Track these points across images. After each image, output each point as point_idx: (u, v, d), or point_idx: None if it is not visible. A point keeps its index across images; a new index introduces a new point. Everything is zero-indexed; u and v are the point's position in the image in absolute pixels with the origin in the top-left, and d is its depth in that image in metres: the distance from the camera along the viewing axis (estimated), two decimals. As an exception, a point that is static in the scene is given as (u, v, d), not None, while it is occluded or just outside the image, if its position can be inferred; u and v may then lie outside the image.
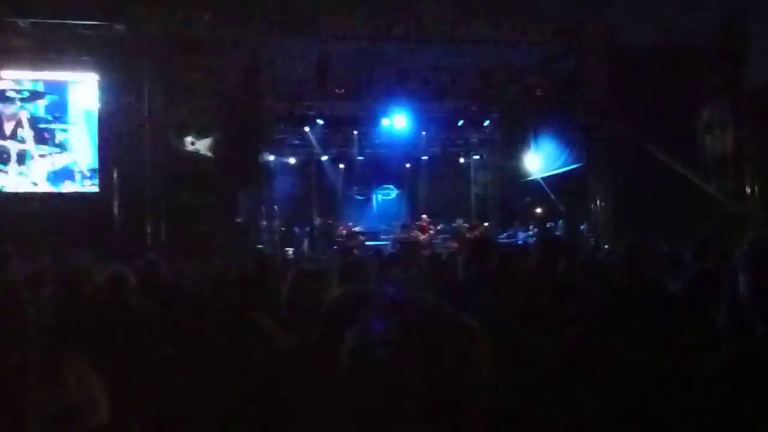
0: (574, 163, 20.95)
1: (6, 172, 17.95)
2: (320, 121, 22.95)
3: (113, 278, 4.85)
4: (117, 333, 4.14)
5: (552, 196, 22.34)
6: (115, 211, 18.33)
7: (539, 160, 23.07)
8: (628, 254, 4.25)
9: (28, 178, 18.11)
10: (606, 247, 12.44)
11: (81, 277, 6.58)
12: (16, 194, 17.87)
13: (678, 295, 4.03)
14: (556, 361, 2.74)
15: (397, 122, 23.45)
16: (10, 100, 18.11)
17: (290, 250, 19.29)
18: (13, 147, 18.03)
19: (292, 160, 24.67)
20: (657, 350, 2.76)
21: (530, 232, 21.88)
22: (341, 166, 25.63)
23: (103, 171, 18.34)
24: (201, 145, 18.10)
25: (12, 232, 15.03)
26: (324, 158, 25.32)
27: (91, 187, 18.45)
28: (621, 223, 18.71)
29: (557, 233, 20.54)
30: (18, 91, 18.16)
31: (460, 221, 23.66)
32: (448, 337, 1.24)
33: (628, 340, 2.84)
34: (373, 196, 26.09)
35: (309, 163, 25.17)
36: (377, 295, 1.91)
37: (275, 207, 19.37)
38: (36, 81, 18.33)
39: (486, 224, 23.41)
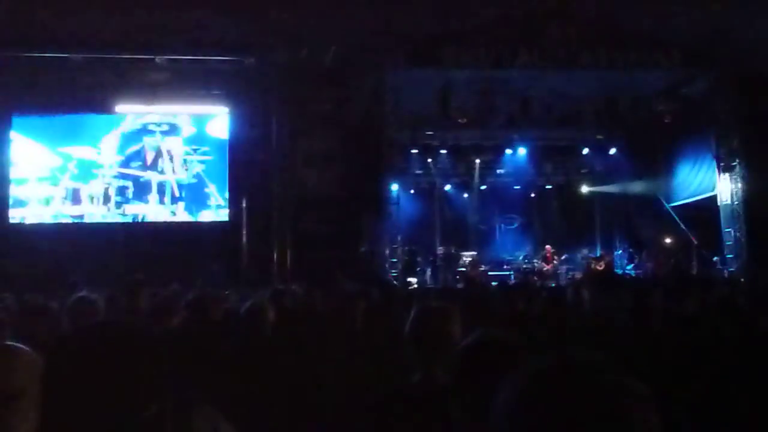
0: (705, 192, 20.15)
1: (147, 202, 18.88)
2: (443, 150, 23.02)
3: (254, 310, 4.97)
4: (251, 364, 4.26)
5: (682, 226, 21.51)
6: (244, 239, 18.93)
7: (668, 189, 22.32)
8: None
9: (167, 207, 18.98)
10: (742, 280, 11.87)
11: (212, 304, 6.81)
12: (154, 223, 18.75)
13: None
14: (690, 410, 2.63)
15: (521, 151, 23.36)
16: (151, 133, 19.09)
17: (413, 279, 19.32)
18: (154, 178, 18.97)
19: (414, 190, 24.79)
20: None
21: (659, 263, 21.10)
22: (464, 194, 25.59)
23: (233, 200, 19.00)
24: (327, 174, 18.46)
25: (146, 260, 15.80)
26: (447, 187, 25.34)
27: (224, 216, 19.12)
28: (756, 255, 17.85)
29: (689, 265, 19.74)
30: (158, 124, 19.13)
31: (585, 251, 23.15)
32: (616, 406, 1.20)
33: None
34: (496, 226, 25.87)
35: (432, 191, 25.24)
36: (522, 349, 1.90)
37: (398, 235, 19.51)
38: (175, 114, 19.27)
39: (606, 255, 22.67)
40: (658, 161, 22.69)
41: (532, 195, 25.90)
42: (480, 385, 1.78)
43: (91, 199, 18.70)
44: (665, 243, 22.23)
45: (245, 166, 18.91)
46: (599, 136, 23.75)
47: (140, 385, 1.74)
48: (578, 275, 20.82)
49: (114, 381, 1.70)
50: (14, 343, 2.32)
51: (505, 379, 1.29)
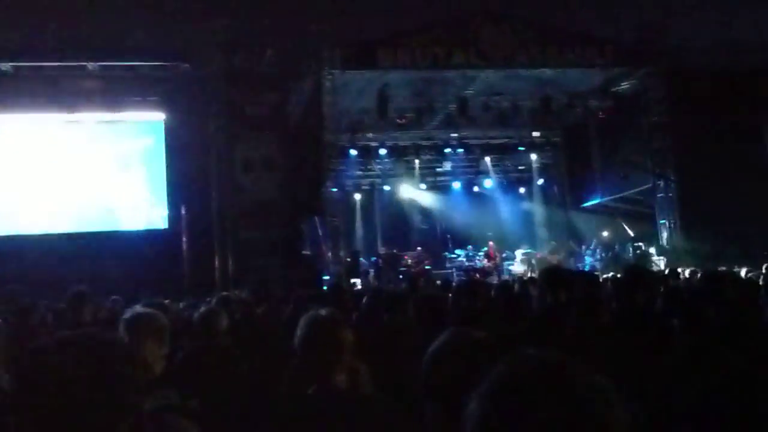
0: (639, 185, 20.61)
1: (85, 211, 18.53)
2: (383, 151, 22.99)
3: (206, 317, 4.88)
4: (208, 374, 4.19)
5: (618, 219, 21.97)
6: (184, 246, 18.66)
7: (604, 183, 22.76)
8: (710, 284, 4.11)
9: (103, 216, 18.65)
10: (680, 270, 12.14)
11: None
12: (92, 232, 18.36)
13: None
14: (652, 403, 2.64)
15: (458, 149, 23.55)
16: (91, 141, 18.72)
17: (357, 281, 19.24)
18: (91, 186, 18.61)
19: (357, 195, 24.74)
20: (757, 387, 2.65)
21: (597, 257, 21.49)
22: (405, 195, 25.61)
23: (171, 208, 18.72)
24: (266, 179, 18.32)
25: (85, 270, 15.45)
26: (386, 188, 25.37)
27: (162, 223, 18.86)
28: (692, 244, 18.30)
29: (625, 257, 20.14)
30: (95, 132, 18.75)
31: (524, 247, 23.37)
32: (583, 401, 1.18)
33: (727, 375, 2.74)
34: (437, 224, 25.97)
35: (372, 193, 25.23)
36: (490, 347, 1.90)
37: (340, 238, 19.44)
38: (111, 121, 18.89)
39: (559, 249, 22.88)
40: (594, 156, 23.12)
41: (475, 190, 26.03)
42: (454, 384, 1.77)
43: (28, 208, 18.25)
44: (602, 236, 22.63)
45: (183, 172, 18.64)
46: (536, 133, 24.04)
47: (116, 399, 1.68)
48: (518, 270, 21.07)
49: (88, 396, 1.64)
50: None
51: (478, 380, 1.27)
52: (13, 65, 17.44)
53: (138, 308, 3.91)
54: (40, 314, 6.41)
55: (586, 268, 20.19)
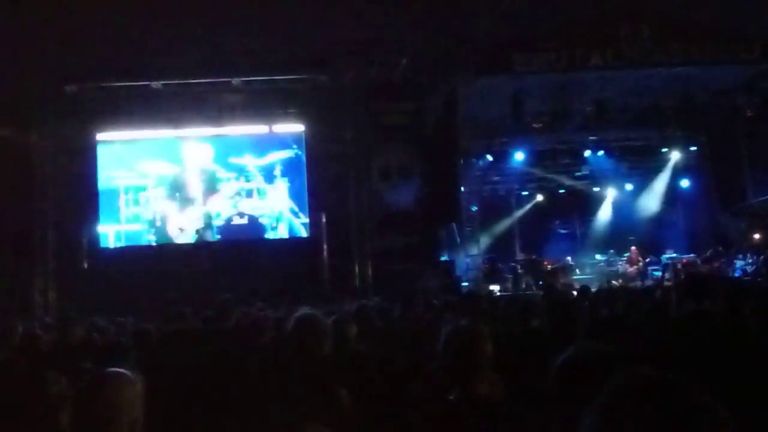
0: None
1: (230, 220, 19.31)
2: (519, 156, 22.75)
3: (334, 325, 5.03)
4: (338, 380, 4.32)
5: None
6: (325, 254, 19.13)
7: (754, 184, 21.64)
8: None
9: (250, 224, 19.35)
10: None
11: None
12: (236, 241, 19.13)
13: None
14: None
15: (598, 152, 22.97)
16: (234, 153, 19.49)
17: (496, 287, 19.14)
18: (235, 197, 19.39)
19: (495, 200, 24.61)
20: None
21: (748, 260, 20.41)
22: (541, 198, 25.30)
23: (312, 216, 19.24)
24: (403, 187, 18.52)
25: (231, 278, 16.16)
26: (524, 193, 25.14)
27: (302, 232, 19.39)
28: None
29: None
30: (239, 146, 19.49)
31: (670, 251, 22.54)
32: (688, 424, 1.19)
33: None
34: (577, 229, 25.49)
35: (510, 198, 25.06)
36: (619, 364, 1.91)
37: (478, 244, 19.42)
38: (253, 134, 19.60)
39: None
40: (743, 155, 22.04)
41: (612, 195, 25.39)
42: (579, 398, 1.80)
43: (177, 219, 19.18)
44: (754, 239, 21.53)
45: (323, 181, 19.14)
46: (679, 133, 23.15)
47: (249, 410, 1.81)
48: (665, 277, 20.34)
49: (221, 409, 1.77)
50: (118, 370, 2.44)
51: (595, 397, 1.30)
52: (163, 83, 18.44)
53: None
54: (189, 321, 6.80)
55: (737, 273, 19.28)
